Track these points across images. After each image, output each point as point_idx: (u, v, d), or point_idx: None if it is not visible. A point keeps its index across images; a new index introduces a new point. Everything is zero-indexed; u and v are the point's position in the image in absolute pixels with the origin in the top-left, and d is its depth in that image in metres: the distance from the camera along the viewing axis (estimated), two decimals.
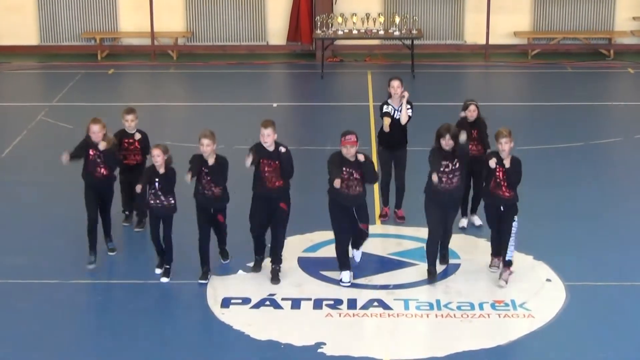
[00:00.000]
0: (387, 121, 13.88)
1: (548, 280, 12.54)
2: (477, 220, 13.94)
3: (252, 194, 12.62)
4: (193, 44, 26.41)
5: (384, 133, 14.11)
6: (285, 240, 12.64)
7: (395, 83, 13.93)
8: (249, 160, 12.25)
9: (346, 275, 12.38)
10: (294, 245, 13.32)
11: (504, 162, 12.05)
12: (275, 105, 21.44)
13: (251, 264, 12.86)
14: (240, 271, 12.80)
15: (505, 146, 12.11)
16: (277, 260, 12.57)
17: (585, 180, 16.10)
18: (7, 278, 12.61)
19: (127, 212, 14.28)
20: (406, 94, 13.91)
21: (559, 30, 26.27)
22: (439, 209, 12.38)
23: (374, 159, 14.96)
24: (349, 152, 12.01)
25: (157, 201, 12.35)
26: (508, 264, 12.33)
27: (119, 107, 20.97)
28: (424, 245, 13.43)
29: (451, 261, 12.95)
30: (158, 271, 12.66)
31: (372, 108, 20.16)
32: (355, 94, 22.29)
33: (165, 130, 18.76)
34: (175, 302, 11.58)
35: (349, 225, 12.34)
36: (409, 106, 13.89)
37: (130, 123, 13.83)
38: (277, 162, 12.35)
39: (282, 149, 12.32)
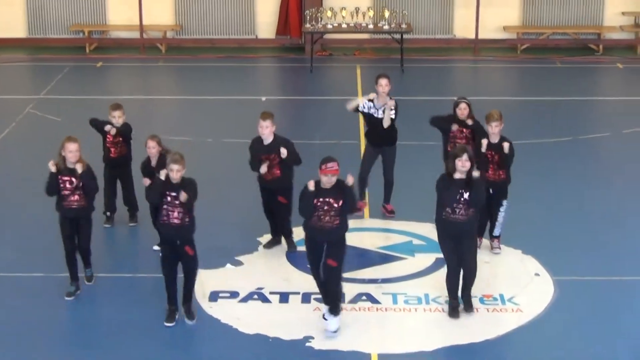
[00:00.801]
0: (351, 105, 14.06)
1: (537, 274, 12.54)
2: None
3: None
4: (182, 37, 26.35)
5: (370, 131, 14.08)
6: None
7: (384, 81, 13.80)
8: (264, 168, 12.42)
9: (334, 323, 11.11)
10: (282, 239, 13.27)
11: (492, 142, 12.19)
12: (264, 99, 21.38)
13: (240, 257, 12.84)
14: (228, 265, 12.76)
15: (495, 129, 12.33)
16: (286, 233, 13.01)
17: (574, 175, 16.09)
18: None
19: (108, 214, 13.99)
20: (392, 103, 13.79)
21: (548, 25, 26.28)
22: (452, 240, 11.34)
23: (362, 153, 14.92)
24: (329, 181, 10.71)
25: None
26: (496, 237, 12.49)
27: (107, 100, 20.92)
28: (412, 239, 13.47)
29: (440, 256, 12.81)
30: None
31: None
32: (345, 88, 22.23)
33: (154, 123, 18.68)
34: (164, 296, 11.49)
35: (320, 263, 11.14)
36: (393, 110, 13.78)
37: (117, 120, 13.66)
38: (274, 155, 12.41)
39: (283, 152, 12.29)
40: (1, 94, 21.80)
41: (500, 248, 12.92)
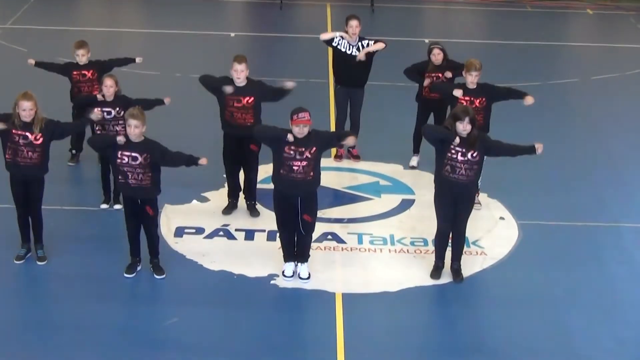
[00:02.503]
0: (326, 35, 13.88)
1: (501, 218, 12.58)
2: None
3: (222, 134, 12.31)
4: None
5: (340, 70, 13.85)
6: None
7: (354, 22, 13.65)
8: (229, 89, 11.88)
9: (289, 268, 11.00)
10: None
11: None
12: (232, 35, 21.24)
13: (206, 194, 12.77)
14: (194, 201, 12.70)
15: (475, 78, 12.19)
16: (251, 198, 12.44)
17: (542, 121, 16.09)
18: None
19: (74, 151, 13.81)
20: (379, 45, 13.70)
21: None
22: (449, 204, 10.89)
23: (331, 95, 14.81)
24: (301, 131, 10.36)
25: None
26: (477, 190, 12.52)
27: (75, 31, 20.76)
28: (379, 179, 13.44)
29: (406, 197, 12.92)
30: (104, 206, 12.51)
31: None
32: (314, 26, 22.03)
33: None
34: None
35: (292, 219, 10.82)
36: (372, 48, 13.66)
37: (81, 58, 13.35)
38: (247, 98, 11.96)
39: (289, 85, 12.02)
40: None
41: (480, 204, 12.67)
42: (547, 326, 10.27)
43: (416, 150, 13.84)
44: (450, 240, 11.07)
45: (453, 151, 10.54)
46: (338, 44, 13.71)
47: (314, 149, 10.45)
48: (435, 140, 10.69)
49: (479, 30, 23.24)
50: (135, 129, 10.41)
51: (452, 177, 10.64)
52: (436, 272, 11.12)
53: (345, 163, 14.12)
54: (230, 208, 12.53)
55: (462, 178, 10.62)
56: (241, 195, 12.57)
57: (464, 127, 10.48)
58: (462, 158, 10.55)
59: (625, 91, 18.11)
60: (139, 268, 11.02)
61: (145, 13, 23.68)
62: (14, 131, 10.63)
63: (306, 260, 10.97)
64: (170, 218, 12.21)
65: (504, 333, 10.20)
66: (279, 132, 10.49)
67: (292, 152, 10.40)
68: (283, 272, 10.98)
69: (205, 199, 12.77)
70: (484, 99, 12.31)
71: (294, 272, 10.94)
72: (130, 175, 10.53)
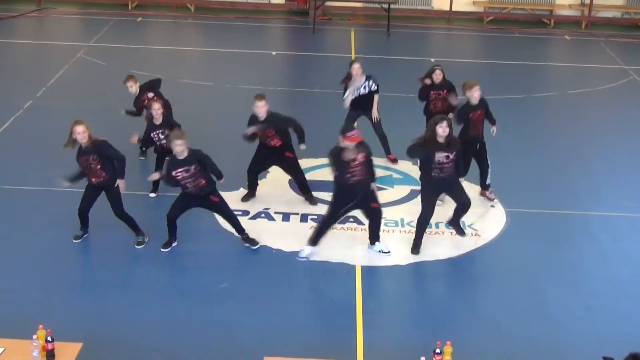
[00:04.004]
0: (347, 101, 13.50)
1: (492, 206, 12.56)
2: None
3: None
4: None
5: (355, 105, 13.50)
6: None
7: (356, 66, 13.38)
8: (250, 130, 11.78)
9: (307, 250, 10.92)
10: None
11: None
12: (274, 53, 21.26)
13: None
14: (241, 188, 12.75)
15: (476, 94, 12.04)
16: (308, 191, 12.37)
17: (526, 127, 16.06)
18: (46, 186, 12.49)
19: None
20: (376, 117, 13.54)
21: (509, 2, 26.05)
22: (436, 197, 11.17)
23: None
24: (352, 146, 10.29)
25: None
26: (488, 186, 12.56)
27: (145, 49, 20.89)
28: (392, 173, 13.47)
29: (414, 188, 12.94)
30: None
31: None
32: (340, 47, 22.09)
33: (182, 70, 18.60)
34: (187, 213, 11.49)
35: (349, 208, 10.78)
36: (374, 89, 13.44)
37: (131, 89, 13.16)
38: (269, 130, 11.81)
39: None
40: (57, 41, 21.65)
41: (493, 199, 12.62)
42: (527, 295, 10.29)
43: None
44: (455, 208, 11.14)
45: (440, 158, 10.53)
46: (353, 94, 13.44)
47: (364, 154, 10.45)
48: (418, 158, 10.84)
49: (476, 52, 23.15)
50: (180, 147, 10.35)
51: (440, 176, 10.67)
52: (416, 248, 11.07)
53: None
54: (249, 196, 12.46)
55: (448, 174, 10.69)
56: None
57: (443, 130, 10.46)
58: (446, 160, 10.59)
59: (596, 103, 18.02)
60: (174, 244, 10.99)
61: (202, 34, 23.73)
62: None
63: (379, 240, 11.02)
64: None
65: (493, 299, 10.22)
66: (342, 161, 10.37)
67: (349, 165, 10.36)
68: (301, 252, 10.90)
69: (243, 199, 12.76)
70: (483, 111, 12.31)
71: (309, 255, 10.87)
72: (190, 184, 10.51)
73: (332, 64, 19.90)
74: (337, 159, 10.37)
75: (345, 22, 24.85)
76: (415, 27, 24.54)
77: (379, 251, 11.01)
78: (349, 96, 13.44)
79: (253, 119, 11.91)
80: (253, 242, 11.11)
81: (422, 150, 10.69)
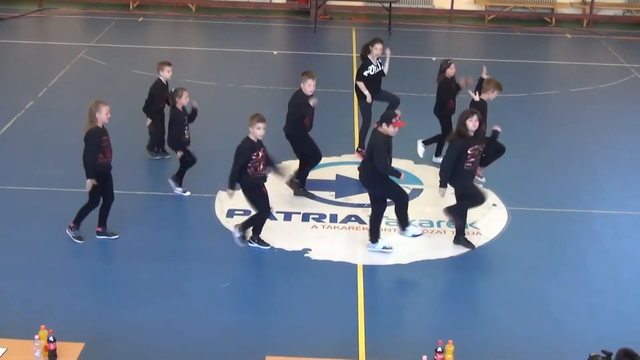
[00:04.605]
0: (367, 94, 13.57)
1: (494, 205, 12.55)
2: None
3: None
4: None
5: (369, 83, 13.63)
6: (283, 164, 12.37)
7: (379, 46, 13.62)
8: (314, 100, 11.93)
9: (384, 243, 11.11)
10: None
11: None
12: (275, 52, 21.26)
13: None
14: None
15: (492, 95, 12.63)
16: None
17: (529, 125, 16.06)
18: (49, 187, 12.55)
19: (156, 148, 13.59)
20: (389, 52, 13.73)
21: (511, 0, 26.03)
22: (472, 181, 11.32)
23: (355, 104, 14.77)
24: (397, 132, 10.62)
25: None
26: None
27: (146, 49, 20.89)
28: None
29: (415, 187, 12.93)
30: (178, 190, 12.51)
31: (355, 59, 20.01)
32: (342, 46, 22.10)
33: (184, 70, 18.58)
34: (189, 212, 11.52)
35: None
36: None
37: (166, 74, 13.21)
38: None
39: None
40: (59, 41, 21.65)
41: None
42: (529, 293, 10.27)
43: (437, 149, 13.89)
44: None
45: (472, 151, 10.79)
46: (370, 73, 13.64)
47: None
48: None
49: (477, 50, 23.14)
50: (263, 131, 10.60)
51: (471, 168, 10.92)
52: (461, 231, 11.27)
53: None
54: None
55: (476, 166, 11.05)
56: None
57: (473, 124, 10.73)
58: (476, 153, 10.88)
59: (597, 101, 18.00)
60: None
61: (204, 34, 23.72)
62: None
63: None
64: (223, 202, 12.27)
65: (495, 297, 10.22)
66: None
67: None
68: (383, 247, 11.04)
69: None
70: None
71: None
72: (259, 167, 10.69)
73: (333, 63, 19.91)
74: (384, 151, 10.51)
75: (347, 22, 24.85)
76: (417, 26, 24.53)
77: (412, 235, 11.09)
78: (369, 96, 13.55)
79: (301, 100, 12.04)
80: (263, 243, 11.12)
81: (457, 145, 10.83)
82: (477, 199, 11.18)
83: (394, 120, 10.45)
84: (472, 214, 11.79)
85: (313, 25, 23.70)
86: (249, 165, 10.62)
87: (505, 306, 9.99)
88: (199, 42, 22.79)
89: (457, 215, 11.18)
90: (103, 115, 10.60)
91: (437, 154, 13.73)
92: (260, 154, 10.66)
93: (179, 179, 12.44)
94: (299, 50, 22.41)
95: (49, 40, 21.85)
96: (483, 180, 12.97)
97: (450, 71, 13.43)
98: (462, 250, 11.18)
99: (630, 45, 23.01)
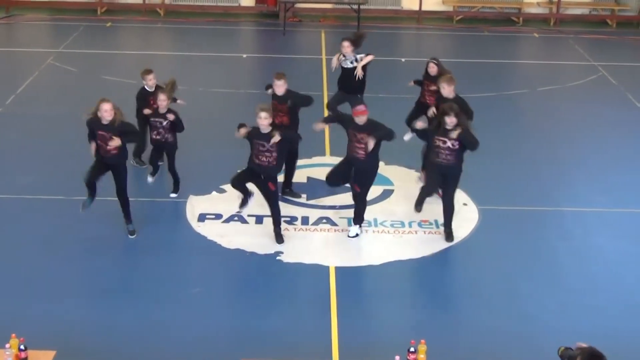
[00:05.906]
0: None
1: (464, 204, 12.59)
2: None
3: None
4: (177, 3, 25.94)
5: (343, 81, 13.70)
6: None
7: (345, 43, 13.64)
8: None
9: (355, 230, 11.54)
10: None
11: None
12: (244, 56, 21.22)
13: (223, 186, 12.76)
14: (213, 192, 12.72)
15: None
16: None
17: (498, 124, 16.11)
18: (19, 194, 12.45)
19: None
20: (369, 58, 13.70)
21: (478, 0, 26.16)
22: (439, 174, 11.33)
23: (325, 104, 14.79)
24: (361, 120, 10.92)
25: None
26: None
27: (115, 54, 20.78)
28: None
29: (386, 187, 12.95)
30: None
31: (324, 61, 20.02)
32: (311, 48, 22.08)
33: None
34: (160, 217, 11.45)
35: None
36: (362, 62, 13.62)
37: (149, 82, 13.09)
38: (283, 105, 12.04)
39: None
40: (26, 47, 21.46)
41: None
42: (502, 291, 10.32)
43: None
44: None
45: (439, 143, 11.01)
46: (342, 62, 13.66)
47: (367, 134, 11.00)
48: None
49: (446, 51, 23.19)
50: (265, 120, 10.71)
51: (437, 160, 11.11)
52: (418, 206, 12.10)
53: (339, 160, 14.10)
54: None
55: (444, 162, 11.12)
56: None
57: (451, 121, 10.94)
58: (443, 145, 11.03)
59: (565, 99, 18.12)
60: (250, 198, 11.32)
61: (172, 38, 23.62)
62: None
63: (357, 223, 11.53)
64: (194, 206, 12.24)
65: (467, 296, 10.26)
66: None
67: (354, 135, 11.10)
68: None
69: (222, 191, 12.77)
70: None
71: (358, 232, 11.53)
72: (262, 157, 10.80)
73: (302, 65, 19.90)
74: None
75: (316, 24, 24.86)
76: (386, 27, 24.58)
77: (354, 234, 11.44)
78: (334, 60, 13.76)
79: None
80: (280, 238, 11.25)
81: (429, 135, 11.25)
82: (428, 187, 11.65)
83: (353, 110, 11.00)
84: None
85: (282, 28, 23.68)
86: (252, 150, 10.87)
87: (477, 304, 10.03)
88: (168, 46, 22.70)
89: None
90: (102, 112, 10.66)
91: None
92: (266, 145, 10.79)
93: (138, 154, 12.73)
94: (268, 53, 22.38)
95: (17, 47, 21.65)
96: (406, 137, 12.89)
97: (430, 69, 13.37)
98: (433, 250, 11.20)
99: (596, 43, 23.21)
